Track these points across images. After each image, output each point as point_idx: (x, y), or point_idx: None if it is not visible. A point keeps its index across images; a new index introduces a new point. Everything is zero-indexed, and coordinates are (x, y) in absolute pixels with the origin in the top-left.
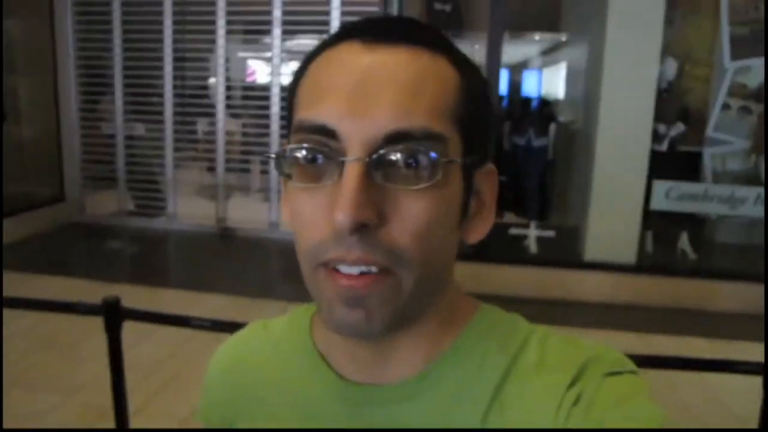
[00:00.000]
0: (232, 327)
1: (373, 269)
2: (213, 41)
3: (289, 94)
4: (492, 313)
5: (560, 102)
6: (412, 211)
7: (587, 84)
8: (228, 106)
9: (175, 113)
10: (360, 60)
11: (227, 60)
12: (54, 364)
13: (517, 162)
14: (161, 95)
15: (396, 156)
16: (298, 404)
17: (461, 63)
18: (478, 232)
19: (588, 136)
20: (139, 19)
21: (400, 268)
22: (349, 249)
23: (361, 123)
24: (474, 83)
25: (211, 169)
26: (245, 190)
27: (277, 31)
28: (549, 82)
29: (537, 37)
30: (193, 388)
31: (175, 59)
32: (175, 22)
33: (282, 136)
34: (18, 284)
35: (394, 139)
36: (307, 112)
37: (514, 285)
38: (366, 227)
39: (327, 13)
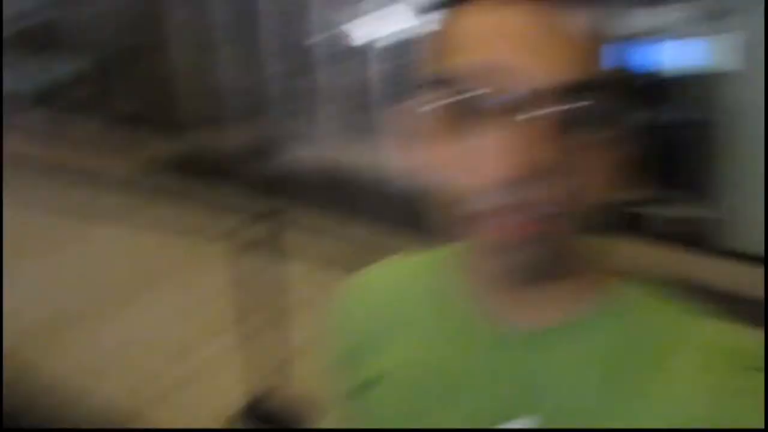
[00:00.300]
0: None
1: (526, 219)
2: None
3: (425, 44)
4: (642, 285)
5: (704, 76)
6: (570, 164)
7: (731, 58)
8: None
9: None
10: (506, 13)
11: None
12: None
13: (658, 139)
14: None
15: (554, 107)
16: (430, 340)
17: (596, 27)
18: (616, 195)
19: (739, 113)
20: None
21: (553, 219)
22: (502, 200)
23: (519, 73)
24: (605, 48)
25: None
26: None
27: None
28: (693, 53)
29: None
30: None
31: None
32: None
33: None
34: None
35: (563, 90)
36: (462, 58)
37: (644, 263)
38: (521, 179)
39: None
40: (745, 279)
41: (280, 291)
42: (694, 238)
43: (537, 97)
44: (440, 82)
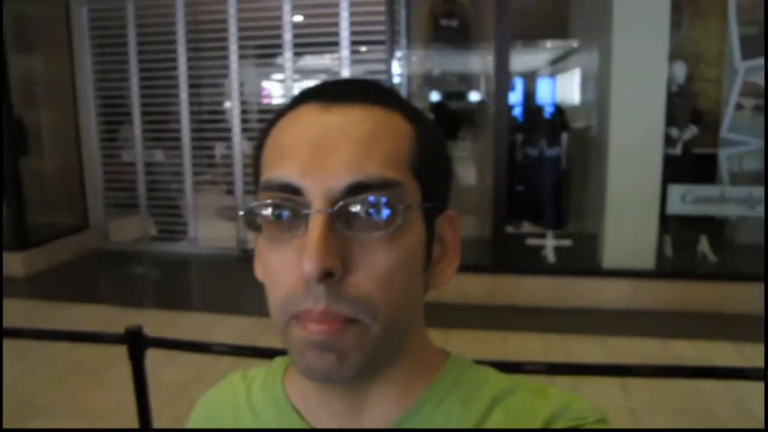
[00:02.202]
0: (250, 351)
1: (334, 318)
2: (226, 66)
3: (255, 155)
4: (461, 364)
5: (572, 110)
6: (375, 258)
7: (598, 91)
8: (244, 129)
9: (193, 138)
10: (318, 120)
11: (241, 84)
12: (81, 390)
13: (532, 172)
14: (178, 121)
15: (356, 207)
16: None
17: (415, 117)
18: (444, 277)
19: (601, 143)
20: (153, 48)
21: (367, 317)
22: (317, 300)
23: (321, 178)
24: (428, 135)
25: (230, 192)
26: None
27: (288, 53)
28: (560, 90)
29: (547, 44)
30: None
31: (191, 85)
32: (189, 49)
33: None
34: (45, 313)
35: (354, 189)
36: (272, 172)
37: (532, 295)
38: (332, 275)
39: (336, 34)
40: (633, 294)
41: None
42: (578, 263)
43: (330, 200)
44: (259, 192)
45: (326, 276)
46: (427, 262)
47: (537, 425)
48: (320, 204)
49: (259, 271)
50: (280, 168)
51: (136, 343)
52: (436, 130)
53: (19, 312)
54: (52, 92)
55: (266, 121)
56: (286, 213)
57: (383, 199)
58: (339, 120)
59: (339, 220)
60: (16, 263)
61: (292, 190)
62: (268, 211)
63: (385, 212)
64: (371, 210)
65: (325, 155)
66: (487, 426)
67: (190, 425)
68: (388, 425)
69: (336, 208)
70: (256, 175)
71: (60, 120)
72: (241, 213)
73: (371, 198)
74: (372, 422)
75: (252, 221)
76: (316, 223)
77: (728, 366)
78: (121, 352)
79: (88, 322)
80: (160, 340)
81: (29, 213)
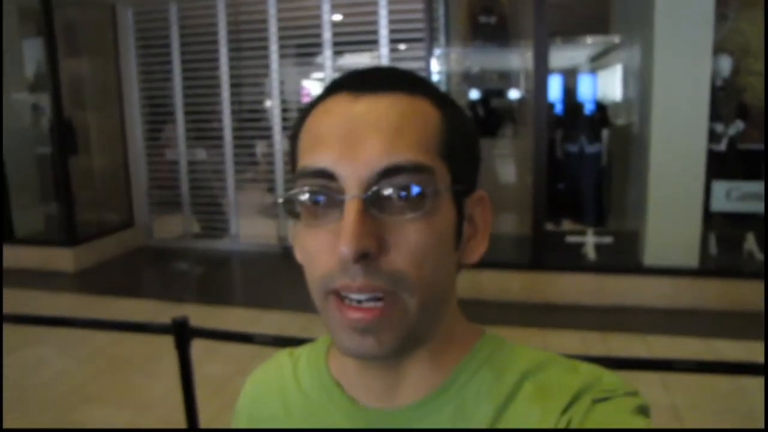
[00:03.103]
0: (293, 342)
1: (379, 295)
2: (267, 65)
3: (291, 143)
4: (495, 340)
5: (612, 106)
6: (409, 238)
7: (639, 86)
8: (284, 128)
9: (235, 137)
10: (350, 109)
11: (282, 82)
12: (127, 381)
13: (572, 169)
14: (220, 120)
15: (389, 190)
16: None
17: (442, 102)
18: (474, 254)
19: (642, 139)
20: (196, 49)
21: (403, 290)
22: (354, 277)
23: (355, 164)
24: (455, 119)
25: (271, 190)
26: None
27: (328, 51)
28: (600, 86)
29: (587, 40)
30: None
31: (232, 85)
32: (230, 50)
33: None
34: (94, 306)
35: (386, 174)
36: (308, 159)
37: (572, 293)
38: (367, 256)
39: (375, 32)
40: (675, 292)
41: None
42: (619, 260)
43: (364, 185)
44: (296, 179)
45: (362, 257)
46: (458, 241)
47: (566, 399)
48: (354, 190)
49: (299, 255)
50: (315, 155)
51: (182, 334)
52: (463, 114)
53: (69, 305)
54: (99, 93)
55: (301, 111)
56: (321, 198)
57: (415, 184)
58: (368, 109)
59: (373, 204)
60: (66, 259)
61: (327, 176)
62: (305, 197)
63: (417, 196)
64: (402, 193)
65: (357, 142)
66: (518, 399)
67: (240, 402)
68: (422, 398)
69: (370, 192)
70: (293, 164)
71: (106, 120)
72: (281, 201)
73: (403, 182)
74: (408, 396)
75: (291, 209)
76: (351, 209)
77: None
78: (165, 344)
79: (135, 315)
80: (204, 331)
81: (78, 210)
